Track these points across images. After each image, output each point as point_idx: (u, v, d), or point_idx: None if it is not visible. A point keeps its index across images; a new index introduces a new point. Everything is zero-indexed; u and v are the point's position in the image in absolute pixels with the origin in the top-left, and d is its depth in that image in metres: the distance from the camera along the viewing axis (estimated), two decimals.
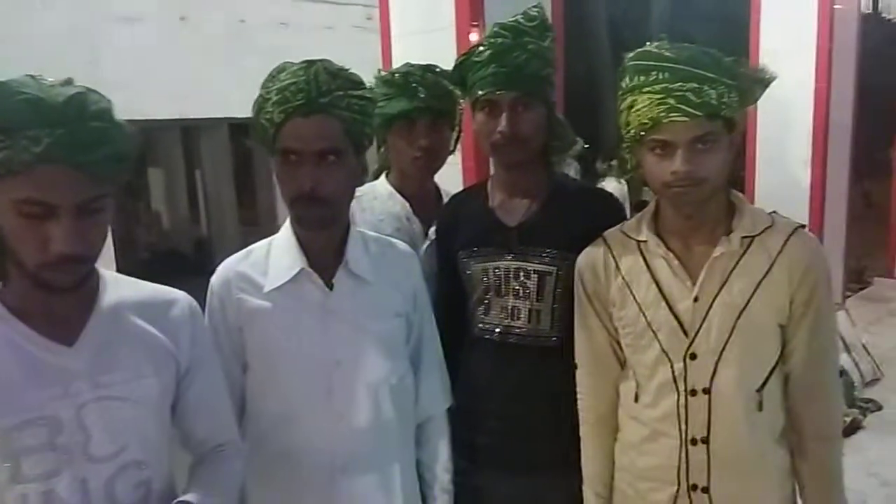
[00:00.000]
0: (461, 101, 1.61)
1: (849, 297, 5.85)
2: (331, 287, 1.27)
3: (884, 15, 6.19)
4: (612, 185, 5.58)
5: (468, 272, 1.51)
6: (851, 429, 3.64)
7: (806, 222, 4.45)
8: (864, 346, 4.44)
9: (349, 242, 1.29)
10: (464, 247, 1.52)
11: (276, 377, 1.27)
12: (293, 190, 1.21)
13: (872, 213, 7.69)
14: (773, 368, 1.24)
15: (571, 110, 4.36)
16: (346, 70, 1.26)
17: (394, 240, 1.43)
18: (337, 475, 1.26)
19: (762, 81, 1.24)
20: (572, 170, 6.10)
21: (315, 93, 1.19)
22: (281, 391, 1.27)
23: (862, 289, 6.49)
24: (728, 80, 1.16)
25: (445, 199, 1.68)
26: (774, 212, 1.28)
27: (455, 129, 1.67)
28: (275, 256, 1.29)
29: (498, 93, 1.37)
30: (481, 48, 1.41)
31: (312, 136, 1.19)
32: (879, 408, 3.91)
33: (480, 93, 1.40)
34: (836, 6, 4.25)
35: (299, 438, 1.26)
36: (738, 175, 4.49)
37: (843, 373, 3.93)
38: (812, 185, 4.40)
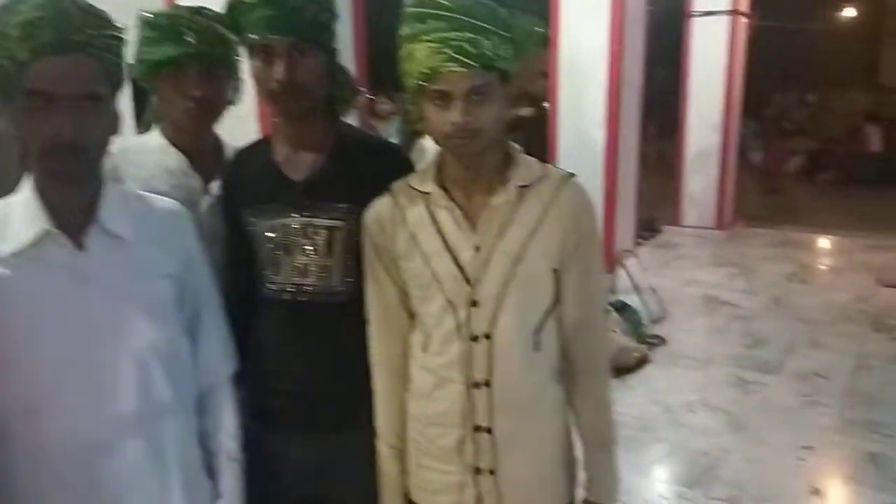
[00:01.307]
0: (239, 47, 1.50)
1: (641, 244, 6.44)
2: (81, 248, 1.13)
3: None
4: (430, 143, 5.56)
5: (255, 231, 1.44)
6: (640, 363, 4.03)
7: (601, 177, 4.81)
8: (652, 289, 4.92)
9: (104, 198, 1.16)
10: (249, 204, 1.44)
11: (18, 358, 1.10)
12: (46, 138, 1.05)
13: (665, 169, 8.46)
14: (549, 311, 1.30)
15: (376, 61, 4.30)
16: (94, 6, 1.12)
17: (161, 197, 1.31)
18: (102, 463, 1.12)
19: (536, 35, 1.27)
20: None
21: (68, 28, 1.05)
22: (24, 375, 1.10)
23: (653, 237, 7.17)
24: (503, 31, 1.18)
25: (232, 154, 1.58)
26: (547, 164, 1.34)
27: (233, 77, 1.56)
28: (14, 220, 1.12)
29: (272, 37, 1.29)
30: None
31: (69, 77, 1.05)
32: (665, 343, 4.37)
33: (254, 38, 1.32)
34: None
35: (52, 430, 1.10)
36: (543, 134, 4.72)
37: (633, 312, 4.33)
38: (606, 143, 4.73)
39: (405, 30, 1.18)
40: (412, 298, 1.33)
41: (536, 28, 1.29)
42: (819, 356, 4.19)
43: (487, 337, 1.26)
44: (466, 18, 1.14)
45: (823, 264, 6.60)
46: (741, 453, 3.13)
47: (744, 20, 7.14)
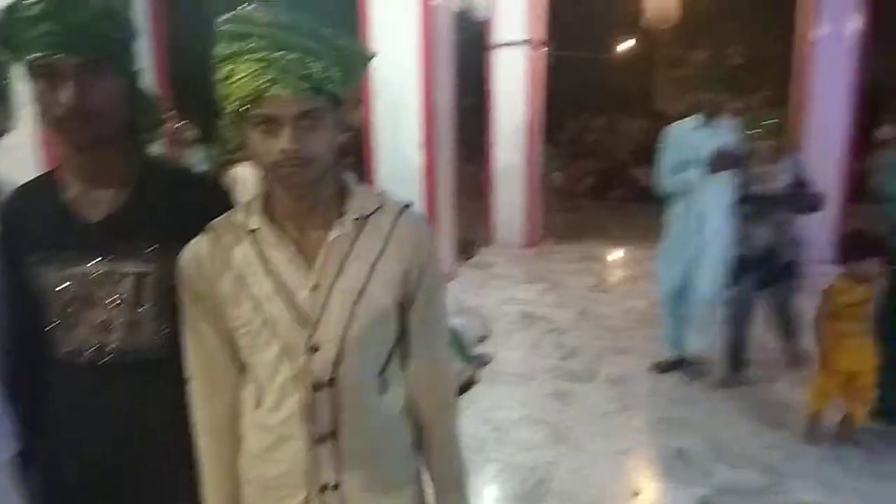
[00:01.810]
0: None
1: (460, 266, 6.60)
2: None
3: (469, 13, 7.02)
4: (245, 171, 5.11)
5: (42, 283, 1.21)
6: (468, 384, 4.08)
7: (421, 200, 4.82)
8: (473, 308, 5.03)
9: None
10: (33, 251, 1.22)
11: None
12: None
13: (475, 191, 8.77)
14: (393, 348, 1.23)
15: (181, 83, 4.00)
16: None
17: None
18: None
19: (363, 56, 1.20)
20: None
21: None
22: None
23: (470, 258, 7.39)
24: (332, 52, 1.09)
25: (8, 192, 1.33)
26: (382, 192, 1.27)
27: (5, 102, 1.32)
28: None
29: (56, 57, 1.10)
30: (31, 0, 1.11)
31: None
32: (489, 361, 4.47)
33: (34, 56, 1.11)
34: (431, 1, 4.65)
35: None
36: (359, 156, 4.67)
37: (459, 334, 4.37)
38: (425, 166, 4.79)
39: (222, 49, 1.06)
40: (241, 349, 1.19)
41: (363, 51, 1.21)
42: (625, 361, 4.52)
43: (331, 384, 1.16)
44: (292, 37, 1.05)
45: (621, 275, 7.20)
46: (566, 464, 3.25)
47: (540, 50, 7.64)
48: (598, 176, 12.11)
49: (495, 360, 4.50)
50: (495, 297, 5.99)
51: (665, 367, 4.28)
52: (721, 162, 3.67)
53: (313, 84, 1.06)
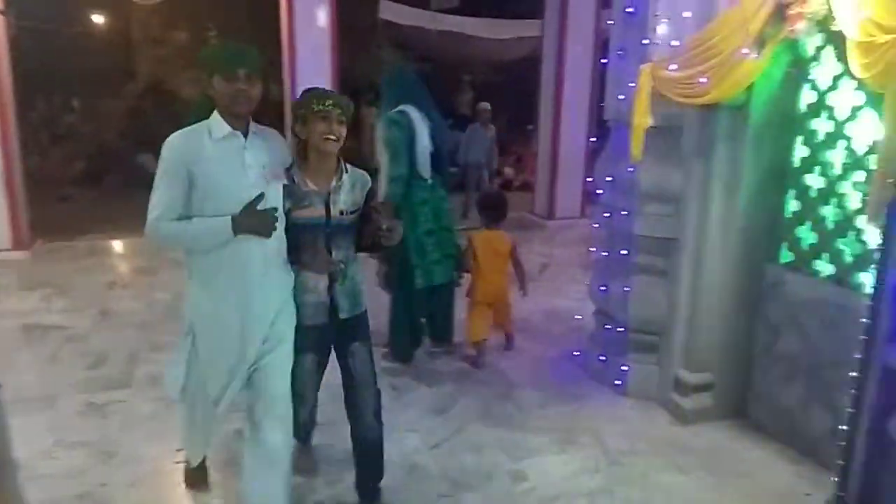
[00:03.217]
0: None
1: None
2: None
3: None
4: None
5: None
6: None
7: None
8: None
9: None
10: None
11: None
12: None
13: None
14: None
15: None
16: None
17: None
18: None
19: None
20: None
21: None
22: None
23: None
24: None
25: None
26: None
27: None
28: None
29: None
30: None
31: None
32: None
33: None
34: None
35: None
36: None
37: None
38: None
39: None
40: None
41: None
42: (163, 357, 4.33)
43: None
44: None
45: (139, 266, 6.69)
46: (122, 479, 3.01)
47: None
48: (89, 161, 11.01)
49: (3, 387, 3.80)
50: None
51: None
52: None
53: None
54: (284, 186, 2.46)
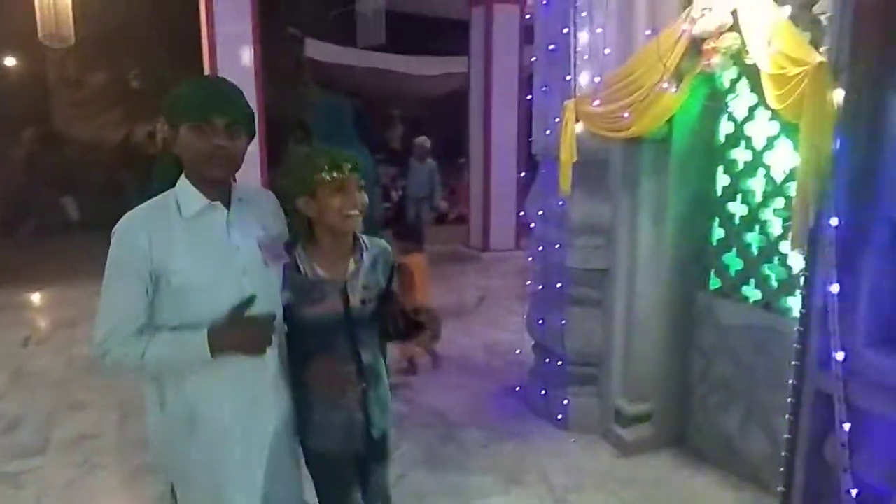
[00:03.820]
0: None
1: None
2: None
3: None
4: None
5: None
6: None
7: None
8: None
9: None
10: None
11: None
12: None
13: None
14: None
15: None
16: None
17: None
18: None
19: None
20: None
21: None
22: None
23: None
24: None
25: None
26: None
27: None
28: None
29: None
30: None
31: None
32: None
33: None
34: None
35: None
36: None
37: None
38: None
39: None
40: None
41: None
42: (83, 417, 4.08)
43: None
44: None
45: (57, 320, 6.28)
46: None
47: None
48: (2, 206, 10.45)
49: None
50: None
51: None
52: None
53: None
54: (285, 276, 1.85)
